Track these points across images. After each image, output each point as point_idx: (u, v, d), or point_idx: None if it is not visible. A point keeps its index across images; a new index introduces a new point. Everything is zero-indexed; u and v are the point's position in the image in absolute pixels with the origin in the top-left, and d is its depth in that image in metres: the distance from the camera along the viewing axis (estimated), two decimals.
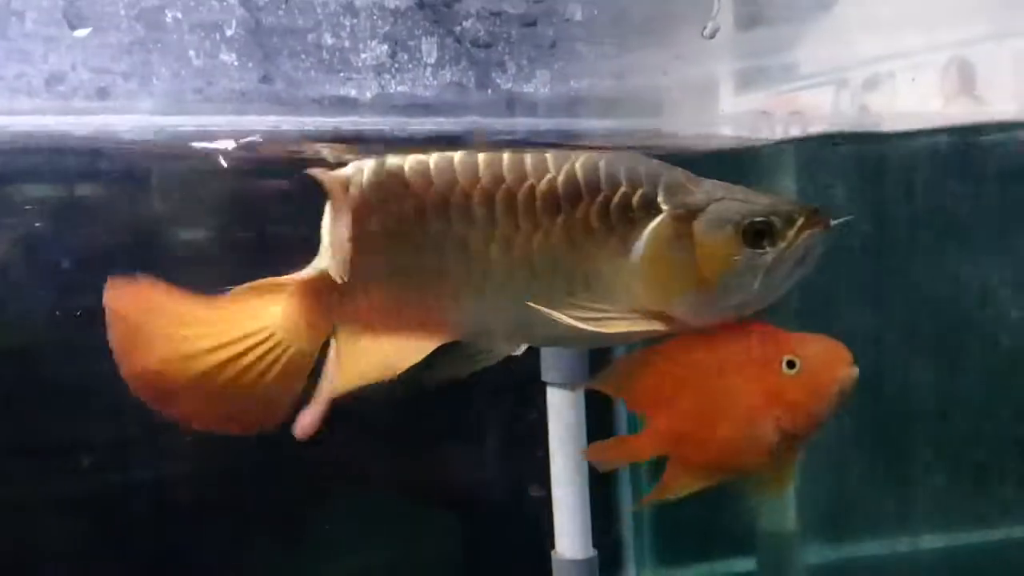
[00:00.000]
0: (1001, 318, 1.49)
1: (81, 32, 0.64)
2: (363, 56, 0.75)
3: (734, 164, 1.42)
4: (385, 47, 0.75)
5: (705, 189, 0.79)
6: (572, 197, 0.75)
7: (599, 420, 1.59)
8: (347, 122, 0.76)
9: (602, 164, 0.76)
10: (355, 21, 0.74)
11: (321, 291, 0.74)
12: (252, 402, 0.76)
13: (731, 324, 0.87)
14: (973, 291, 1.48)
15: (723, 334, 0.88)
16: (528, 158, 0.75)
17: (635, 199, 0.76)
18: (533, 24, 0.79)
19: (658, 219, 0.76)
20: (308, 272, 0.75)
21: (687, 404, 0.93)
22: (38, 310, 1.33)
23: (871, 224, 1.49)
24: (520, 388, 1.52)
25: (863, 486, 1.61)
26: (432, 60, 0.76)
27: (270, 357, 0.75)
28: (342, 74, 0.75)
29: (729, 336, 0.89)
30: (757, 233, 0.78)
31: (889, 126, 1.22)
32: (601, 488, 1.66)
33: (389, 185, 0.73)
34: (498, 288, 0.76)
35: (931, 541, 1.62)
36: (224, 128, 0.73)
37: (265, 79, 0.72)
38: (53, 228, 1.36)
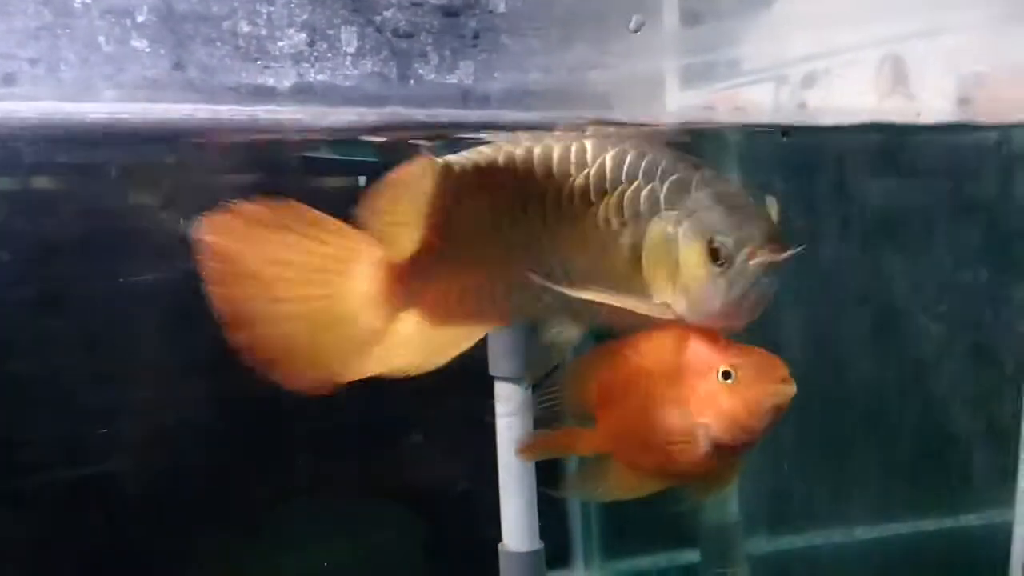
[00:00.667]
0: (929, 312, 1.51)
1: None
2: (280, 44, 0.74)
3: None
4: (303, 35, 0.74)
5: (699, 196, 0.81)
6: (599, 191, 0.80)
7: (546, 413, 1.60)
8: (264, 111, 0.75)
9: (629, 157, 0.80)
10: (272, 8, 0.73)
11: (405, 273, 0.76)
12: (313, 361, 0.79)
13: (676, 328, 0.88)
14: (902, 286, 1.50)
15: (666, 338, 0.89)
16: (574, 147, 0.80)
17: (643, 195, 0.80)
18: (455, 15, 0.78)
19: (653, 221, 0.80)
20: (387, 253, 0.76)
21: (627, 406, 0.93)
22: None
23: (805, 218, 1.51)
24: (469, 381, 1.52)
25: (802, 479, 1.63)
26: (352, 49, 0.76)
27: (342, 326, 0.78)
28: (259, 62, 0.74)
29: (671, 341, 0.89)
30: (715, 252, 0.80)
31: (824, 121, 1.23)
32: (548, 481, 1.66)
33: (478, 173, 0.78)
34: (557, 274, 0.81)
35: (865, 532, 1.65)
36: (137, 116, 0.71)
37: (178, 66, 0.71)
38: None
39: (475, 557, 1.61)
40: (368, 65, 0.76)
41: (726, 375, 0.86)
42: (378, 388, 1.66)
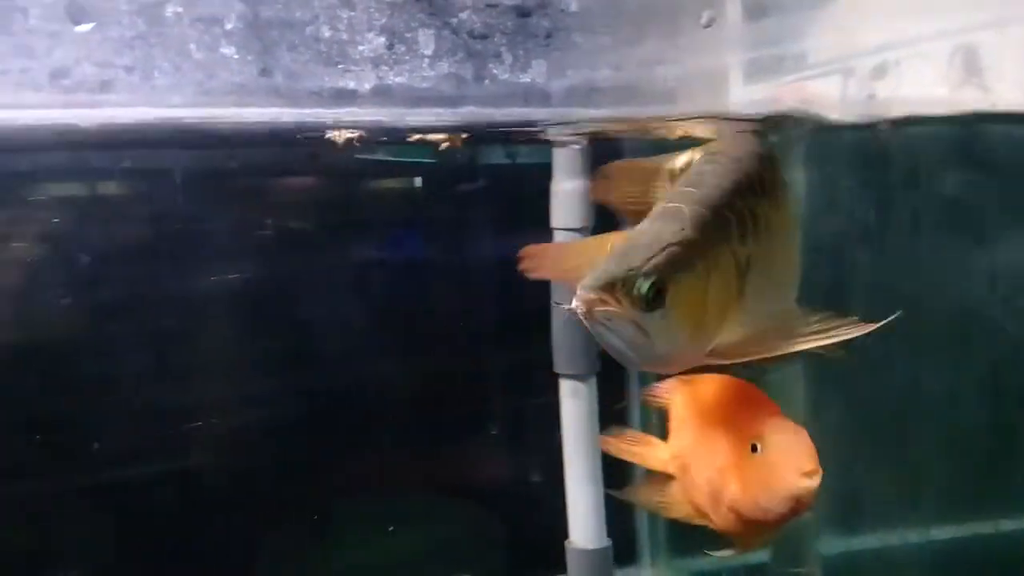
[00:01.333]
0: (1006, 308, 1.48)
1: (83, 27, 0.66)
2: (361, 48, 0.76)
3: None
4: (383, 39, 0.76)
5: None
6: None
7: (611, 412, 1.61)
8: (346, 113, 0.77)
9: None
10: (352, 14, 0.76)
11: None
12: None
13: (736, 380, 0.88)
14: (977, 281, 1.47)
15: (727, 387, 0.89)
16: None
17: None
18: (528, 15, 0.80)
19: None
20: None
21: (689, 440, 0.93)
22: (54, 304, 1.36)
23: (875, 213, 1.49)
24: (535, 379, 1.54)
25: (878, 476, 1.60)
26: (429, 52, 0.77)
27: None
28: (340, 66, 0.76)
29: (728, 392, 0.89)
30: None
31: (896, 114, 1.22)
32: (616, 478, 1.67)
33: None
34: None
35: (943, 532, 1.62)
36: (226, 120, 0.74)
37: (264, 72, 0.74)
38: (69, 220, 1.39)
39: (543, 554, 1.62)
40: (444, 66, 0.78)
41: (753, 447, 0.83)
42: (448, 386, 1.69)
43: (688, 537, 1.88)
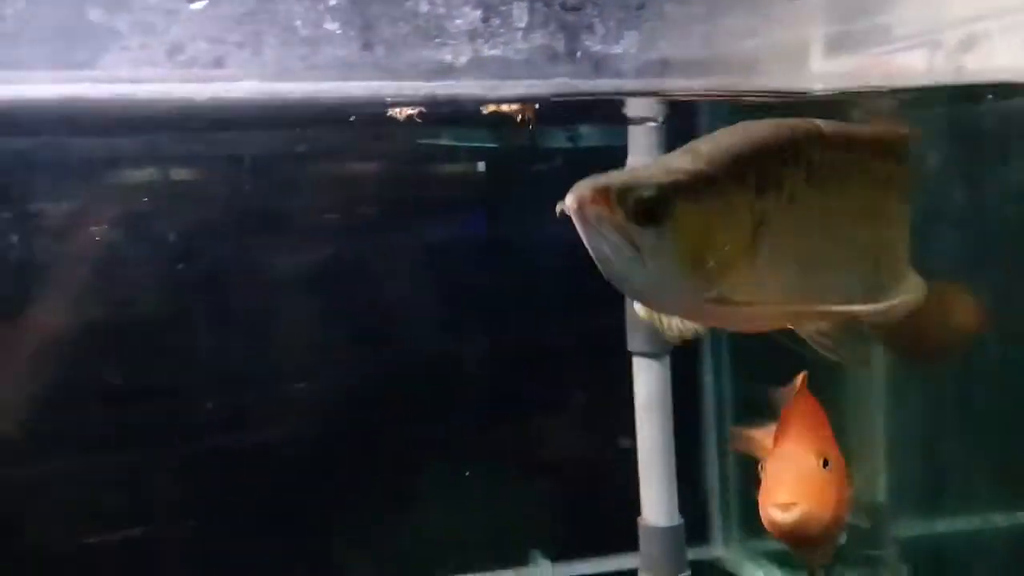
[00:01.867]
0: None
1: (198, 4, 0.69)
2: (457, 22, 0.78)
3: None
4: (478, 13, 0.78)
5: None
6: None
7: (684, 390, 1.61)
8: (442, 86, 0.79)
9: None
10: None
11: None
12: None
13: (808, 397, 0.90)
14: None
15: (799, 403, 0.89)
16: None
17: None
18: None
19: None
20: None
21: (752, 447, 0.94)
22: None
23: (966, 190, 1.46)
24: (608, 357, 1.55)
25: (958, 457, 1.58)
26: (523, 24, 0.79)
27: None
28: (437, 40, 0.78)
29: (792, 409, 0.89)
30: None
31: (987, 85, 1.19)
32: (688, 457, 1.67)
33: None
34: None
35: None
36: (329, 95, 0.77)
37: (366, 46, 0.76)
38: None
39: (614, 531, 1.63)
40: (538, 38, 0.79)
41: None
42: (522, 364, 1.71)
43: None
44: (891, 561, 1.66)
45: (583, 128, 1.58)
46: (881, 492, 1.68)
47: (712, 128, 1.59)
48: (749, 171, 0.75)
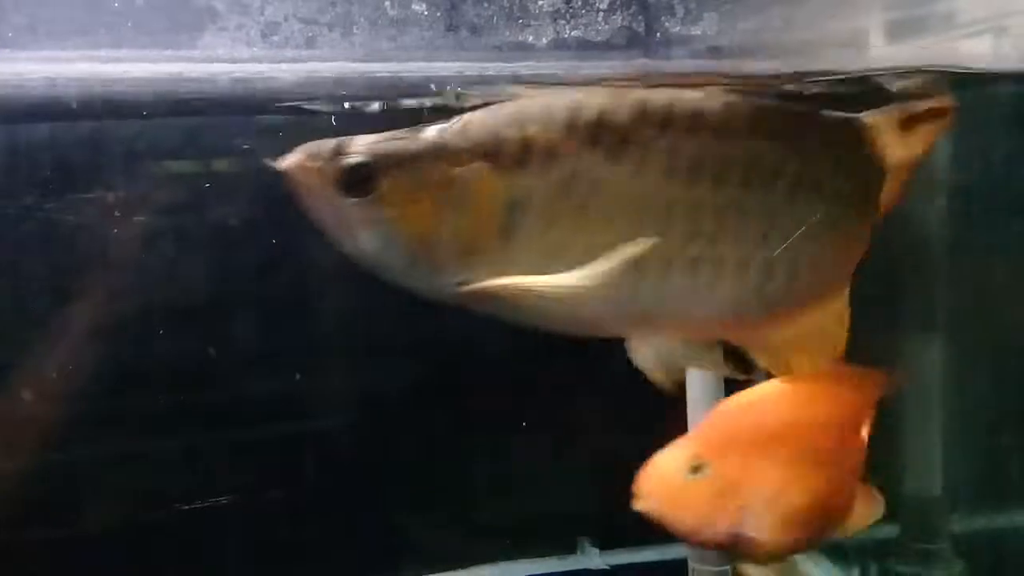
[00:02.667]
0: None
1: None
2: (540, 3, 0.79)
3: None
4: None
5: None
6: None
7: (735, 383, 1.60)
8: (524, 67, 0.80)
9: None
10: None
11: None
12: None
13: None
14: None
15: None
16: None
17: None
18: None
19: None
20: None
21: None
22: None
23: None
24: None
25: (1013, 451, 1.56)
26: (604, 5, 0.80)
27: None
28: (520, 21, 0.79)
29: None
30: None
31: None
32: None
33: None
34: None
35: None
36: (415, 74, 0.78)
37: (451, 27, 0.77)
38: None
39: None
40: (618, 20, 0.80)
41: None
42: (573, 351, 1.71)
43: None
44: (946, 556, 1.64)
45: None
46: (936, 486, 1.67)
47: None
48: (506, 145, 0.68)
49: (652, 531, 1.72)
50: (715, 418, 0.86)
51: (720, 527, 0.82)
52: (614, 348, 1.75)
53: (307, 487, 1.60)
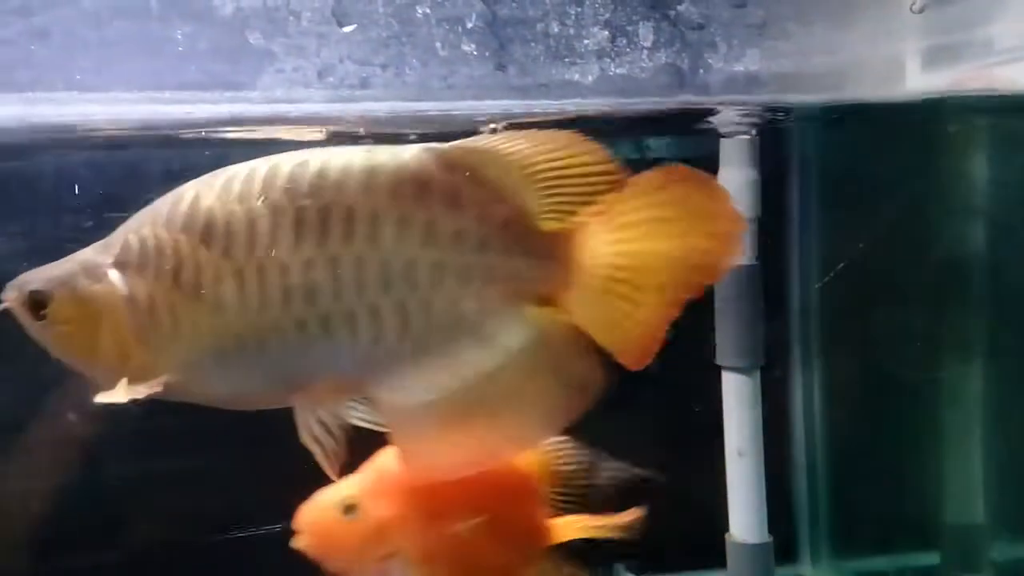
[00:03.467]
0: None
1: (348, 28, 0.73)
2: (586, 42, 0.80)
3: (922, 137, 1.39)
4: (606, 33, 0.81)
5: None
6: None
7: (772, 405, 1.60)
8: (571, 104, 0.82)
9: None
10: (579, 9, 0.80)
11: None
12: None
13: None
14: None
15: None
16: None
17: None
18: (743, 5, 0.82)
19: None
20: None
21: None
22: None
23: None
24: (696, 370, 1.54)
25: None
26: (648, 43, 0.81)
27: None
28: (567, 59, 0.81)
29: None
30: None
31: None
32: (775, 473, 1.65)
33: None
34: None
35: None
36: (463, 112, 0.80)
37: (499, 66, 0.79)
38: None
39: (700, 546, 1.62)
40: (662, 57, 0.81)
41: None
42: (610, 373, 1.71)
43: (852, 537, 1.85)
44: None
45: (652, 140, 1.59)
46: (978, 514, 1.65)
47: (803, 139, 1.58)
48: (126, 251, 0.70)
49: (688, 558, 1.71)
50: (379, 461, 0.83)
51: (368, 570, 0.82)
52: (650, 375, 1.75)
53: None
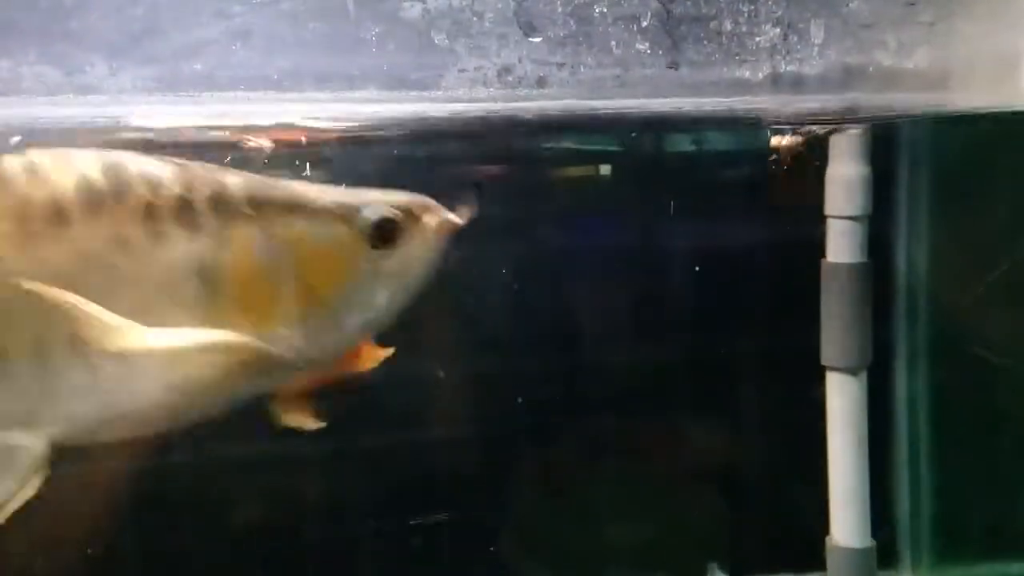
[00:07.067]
0: None
1: (536, 38, 0.74)
2: (758, 39, 0.80)
3: None
4: (778, 30, 0.80)
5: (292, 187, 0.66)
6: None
7: (879, 406, 1.58)
8: (740, 101, 0.82)
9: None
10: (753, 7, 0.80)
11: None
12: None
13: None
14: None
15: None
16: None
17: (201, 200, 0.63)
18: (914, 3, 0.82)
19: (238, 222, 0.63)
20: None
21: None
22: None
23: None
24: (798, 370, 1.53)
25: None
26: (819, 41, 0.81)
27: None
28: (738, 57, 0.81)
29: None
30: (381, 229, 0.65)
31: None
32: (877, 476, 1.63)
33: None
34: None
35: None
36: (636, 111, 0.81)
37: (672, 65, 0.80)
38: None
39: (798, 549, 1.60)
40: (832, 55, 0.81)
41: None
42: (709, 373, 1.70)
43: (956, 541, 1.82)
44: None
45: (710, 133, 1.57)
46: None
47: (913, 136, 1.54)
48: None
49: (786, 560, 1.70)
50: None
51: None
52: (753, 374, 1.74)
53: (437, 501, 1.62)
